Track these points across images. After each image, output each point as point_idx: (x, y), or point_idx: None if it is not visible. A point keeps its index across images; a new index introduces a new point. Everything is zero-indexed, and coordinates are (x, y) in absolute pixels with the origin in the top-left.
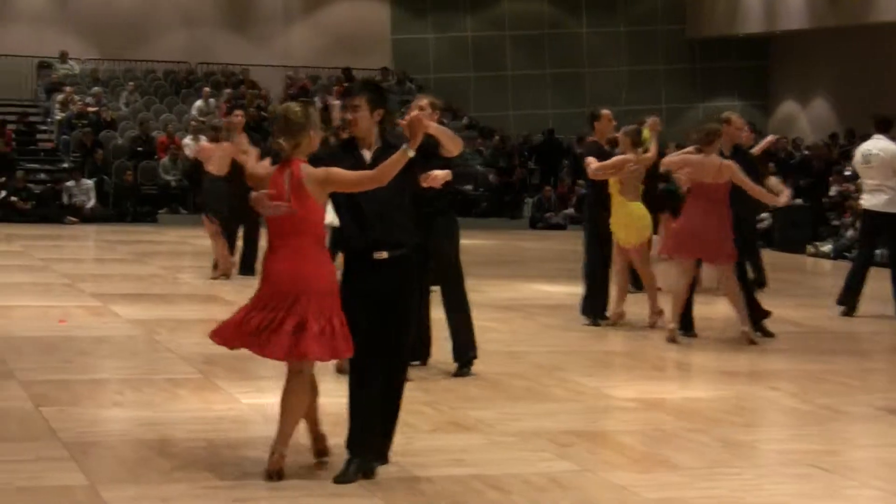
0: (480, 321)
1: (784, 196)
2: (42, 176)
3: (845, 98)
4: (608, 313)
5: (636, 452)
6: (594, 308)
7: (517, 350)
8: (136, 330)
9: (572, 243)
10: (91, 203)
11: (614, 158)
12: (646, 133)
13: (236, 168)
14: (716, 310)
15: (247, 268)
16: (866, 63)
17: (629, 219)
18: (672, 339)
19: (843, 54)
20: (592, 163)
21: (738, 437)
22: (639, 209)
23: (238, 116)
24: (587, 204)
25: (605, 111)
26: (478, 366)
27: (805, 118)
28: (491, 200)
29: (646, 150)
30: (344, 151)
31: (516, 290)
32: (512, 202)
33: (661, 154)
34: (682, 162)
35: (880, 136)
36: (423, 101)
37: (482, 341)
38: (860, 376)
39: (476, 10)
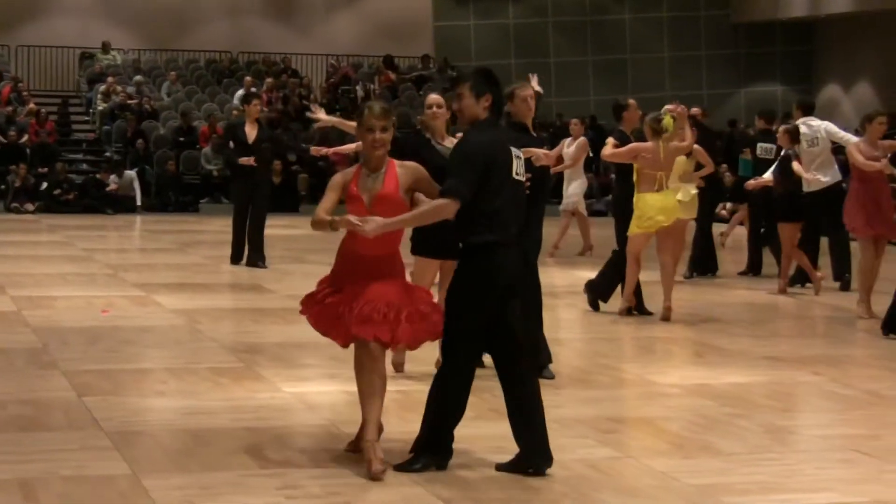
0: None
1: None
2: (84, 167)
3: (889, 82)
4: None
5: (678, 438)
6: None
7: (560, 337)
8: (179, 319)
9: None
10: (136, 194)
11: (629, 146)
12: (668, 121)
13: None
14: (736, 294)
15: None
16: None
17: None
18: None
19: (887, 38)
20: (609, 145)
21: (780, 422)
22: (642, 200)
23: (255, 105)
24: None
25: (632, 101)
26: None
27: (848, 102)
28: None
29: (669, 139)
30: None
31: (559, 276)
32: (554, 188)
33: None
34: None
35: None
36: (531, 87)
37: None
38: None
39: None
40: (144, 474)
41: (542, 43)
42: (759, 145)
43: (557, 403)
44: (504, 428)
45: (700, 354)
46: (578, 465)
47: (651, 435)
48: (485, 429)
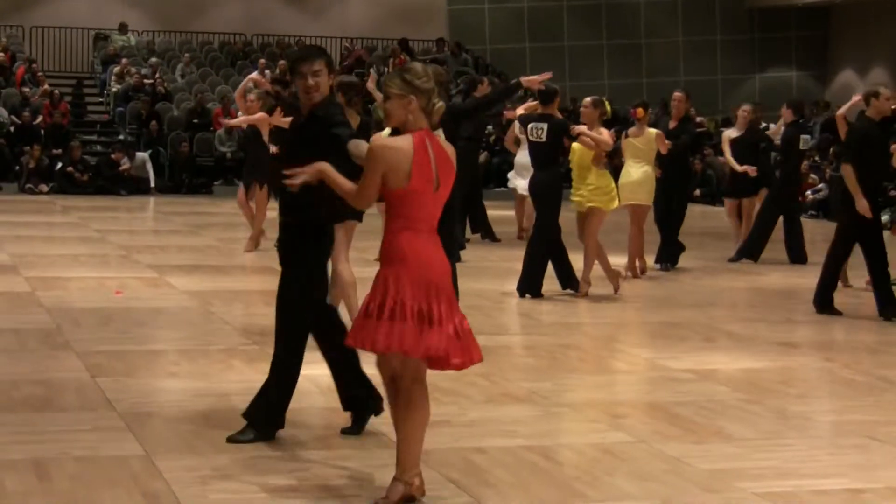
0: None
1: None
2: (98, 148)
3: None
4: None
5: (690, 423)
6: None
7: (571, 321)
8: (192, 301)
9: (620, 215)
10: (149, 176)
11: (601, 137)
12: (607, 105)
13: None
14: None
15: None
16: None
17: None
18: None
19: None
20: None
21: (792, 407)
22: (607, 178)
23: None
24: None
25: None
26: (533, 337)
27: (863, 88)
28: None
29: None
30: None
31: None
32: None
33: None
34: None
35: None
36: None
37: (537, 313)
38: None
39: None
40: (157, 455)
41: (557, 26)
42: (802, 137)
43: (570, 388)
44: (515, 411)
45: (712, 339)
46: (590, 450)
47: (663, 420)
48: (495, 412)
